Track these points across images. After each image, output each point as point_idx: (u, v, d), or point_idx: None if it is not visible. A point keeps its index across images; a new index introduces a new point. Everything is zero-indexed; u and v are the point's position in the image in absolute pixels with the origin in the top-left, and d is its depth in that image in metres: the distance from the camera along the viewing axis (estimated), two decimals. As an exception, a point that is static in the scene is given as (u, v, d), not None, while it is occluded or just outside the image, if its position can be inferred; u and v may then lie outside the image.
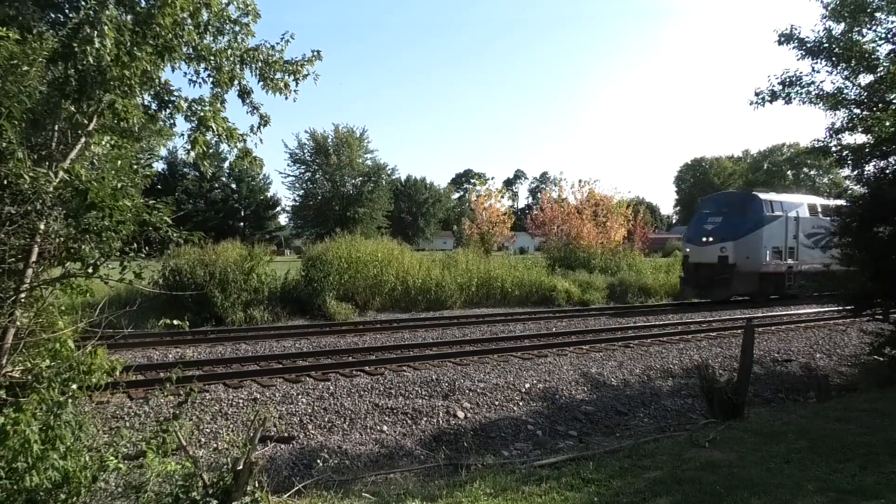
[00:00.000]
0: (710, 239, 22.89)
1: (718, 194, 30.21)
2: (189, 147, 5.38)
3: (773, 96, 13.02)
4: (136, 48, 4.60)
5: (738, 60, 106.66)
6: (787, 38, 12.51)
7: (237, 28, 5.45)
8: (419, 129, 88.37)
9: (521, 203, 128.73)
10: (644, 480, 5.43)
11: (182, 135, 5.49)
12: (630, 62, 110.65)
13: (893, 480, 5.22)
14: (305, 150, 64.01)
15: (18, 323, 4.37)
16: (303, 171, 64.52)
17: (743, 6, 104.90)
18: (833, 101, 12.41)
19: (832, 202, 19.21)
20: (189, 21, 5.03)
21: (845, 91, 12.48)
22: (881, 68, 11.82)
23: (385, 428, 8.17)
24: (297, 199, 65.59)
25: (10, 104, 4.05)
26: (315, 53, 5.85)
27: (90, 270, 4.50)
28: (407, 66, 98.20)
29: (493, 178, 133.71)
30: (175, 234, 4.87)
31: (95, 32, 4.36)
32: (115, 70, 4.50)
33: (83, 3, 4.89)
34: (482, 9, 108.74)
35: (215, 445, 6.97)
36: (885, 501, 4.78)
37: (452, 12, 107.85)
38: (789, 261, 23.47)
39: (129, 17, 4.93)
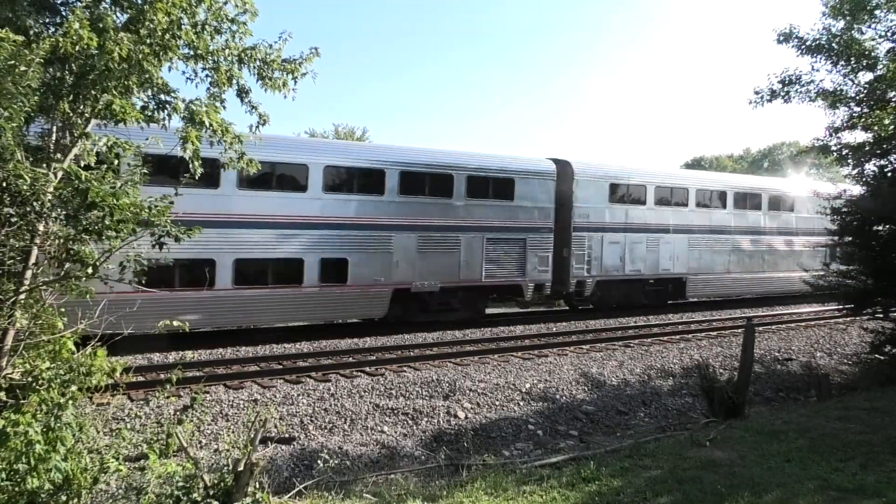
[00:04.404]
0: None
1: None
2: (181, 143, 5.33)
3: (773, 95, 12.99)
4: (125, 38, 4.54)
5: (739, 59, 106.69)
6: (786, 37, 12.49)
7: (234, 27, 5.42)
8: (418, 127, 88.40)
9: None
10: (645, 479, 5.43)
11: (176, 131, 5.45)
12: (630, 62, 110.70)
13: (894, 479, 5.22)
14: (305, 151, 63.87)
15: (18, 324, 4.36)
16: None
17: (743, 4, 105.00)
18: (833, 99, 12.38)
19: None
20: (185, 20, 5.00)
21: (845, 89, 12.46)
22: (881, 66, 11.80)
23: (386, 428, 8.17)
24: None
25: (8, 105, 4.04)
26: (313, 51, 5.83)
27: (90, 271, 4.49)
28: (404, 64, 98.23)
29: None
30: (174, 231, 4.87)
31: (71, 16, 4.34)
32: (103, 60, 4.44)
33: (79, 2, 4.88)
34: (474, 8, 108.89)
35: (216, 447, 6.97)
36: (886, 500, 4.78)
37: (451, 11, 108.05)
38: None
39: (124, 15, 4.92)
